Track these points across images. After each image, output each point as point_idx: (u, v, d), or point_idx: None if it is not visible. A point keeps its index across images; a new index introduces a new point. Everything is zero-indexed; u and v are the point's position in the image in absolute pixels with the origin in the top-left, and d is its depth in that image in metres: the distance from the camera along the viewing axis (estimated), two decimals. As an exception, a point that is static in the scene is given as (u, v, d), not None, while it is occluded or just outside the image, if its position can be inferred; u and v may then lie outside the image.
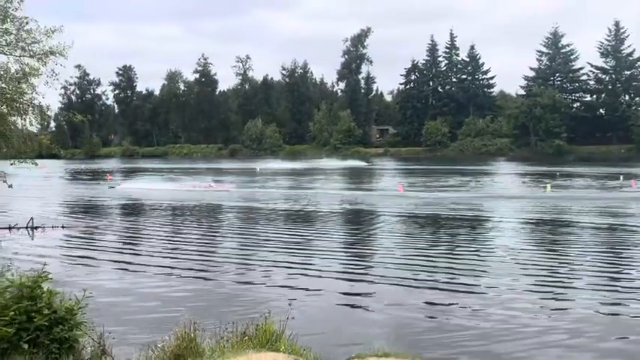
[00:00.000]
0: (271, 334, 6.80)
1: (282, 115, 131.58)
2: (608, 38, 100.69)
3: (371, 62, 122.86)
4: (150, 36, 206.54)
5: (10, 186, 17.02)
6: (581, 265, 13.47)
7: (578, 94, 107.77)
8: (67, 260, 14.63)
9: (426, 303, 10.34)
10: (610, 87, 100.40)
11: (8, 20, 14.91)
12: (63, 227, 20.24)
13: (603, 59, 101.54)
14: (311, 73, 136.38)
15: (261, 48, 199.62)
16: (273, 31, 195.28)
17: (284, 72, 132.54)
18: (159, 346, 6.54)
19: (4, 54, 15.28)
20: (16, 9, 15.14)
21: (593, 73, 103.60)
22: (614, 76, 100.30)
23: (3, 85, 15.23)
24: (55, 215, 24.13)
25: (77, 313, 6.08)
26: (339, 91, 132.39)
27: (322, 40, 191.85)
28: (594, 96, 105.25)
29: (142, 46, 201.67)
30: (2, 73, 15.17)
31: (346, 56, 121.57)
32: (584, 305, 10.10)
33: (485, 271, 12.76)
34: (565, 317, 9.52)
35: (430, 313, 9.78)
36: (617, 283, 11.81)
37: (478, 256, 14.63)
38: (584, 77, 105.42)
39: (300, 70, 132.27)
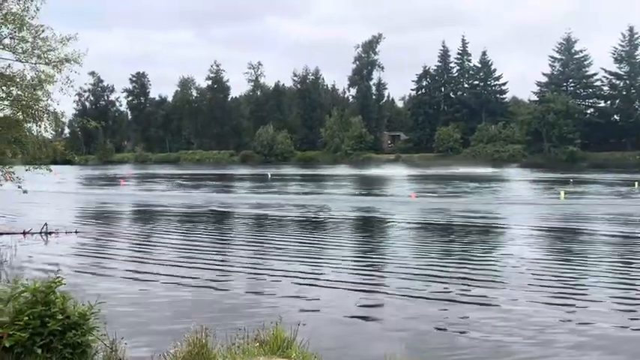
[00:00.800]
0: (282, 340, 6.79)
1: (294, 122, 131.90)
2: (622, 44, 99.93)
3: (382, 68, 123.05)
4: (162, 42, 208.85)
5: (25, 192, 17.25)
6: (599, 276, 13.07)
7: (591, 100, 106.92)
8: (81, 265, 14.73)
9: (439, 314, 10.08)
10: (624, 93, 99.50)
11: (25, 28, 15.16)
12: (76, 232, 20.40)
13: (617, 65, 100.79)
14: (322, 79, 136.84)
15: (273, 54, 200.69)
16: (285, 37, 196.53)
17: (295, 78, 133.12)
18: (170, 352, 6.56)
19: (21, 61, 15.54)
20: (32, 17, 15.40)
21: (607, 78, 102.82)
22: (628, 81, 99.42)
23: (19, 92, 15.47)
24: (69, 221, 24.34)
25: (90, 318, 6.12)
26: (350, 97, 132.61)
27: (333, 46, 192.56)
28: (608, 102, 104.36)
29: (154, 52, 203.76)
30: (18, 80, 15.41)
31: (357, 62, 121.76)
32: (605, 320, 9.67)
33: (500, 282, 12.43)
34: (587, 333, 9.09)
35: (443, 325, 9.52)
36: (638, 297, 11.33)
37: (492, 266, 14.33)
38: (598, 83, 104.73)
39: (312, 77, 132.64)
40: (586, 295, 11.46)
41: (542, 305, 10.59)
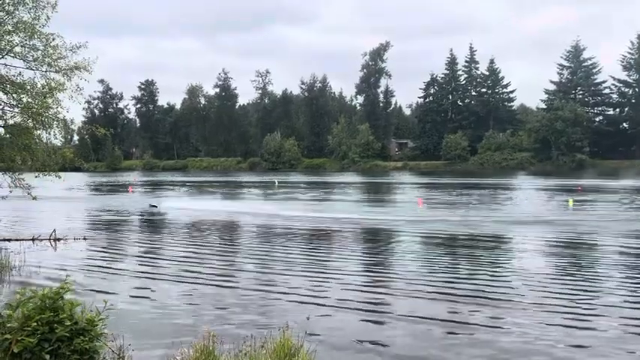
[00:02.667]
0: (289, 348, 6.78)
1: (301, 129, 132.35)
2: (631, 51, 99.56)
3: (390, 76, 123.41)
4: (171, 50, 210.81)
5: (34, 198, 17.36)
6: (617, 296, 12.07)
7: (600, 108, 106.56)
8: (89, 272, 14.78)
9: (447, 335, 9.62)
10: (633, 101, 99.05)
11: (35, 37, 15.34)
12: (85, 239, 20.49)
13: (626, 73, 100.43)
14: (330, 86, 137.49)
15: (281, 62, 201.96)
16: (293, 45, 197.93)
17: (303, 86, 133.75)
18: (177, 358, 6.58)
19: (31, 69, 15.71)
20: (43, 26, 15.59)
21: (616, 86, 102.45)
22: (637, 89, 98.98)
23: (29, 100, 15.61)
24: (77, 227, 24.46)
25: (98, 324, 6.13)
26: (357, 104, 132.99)
27: (341, 54, 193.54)
28: (617, 110, 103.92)
29: (163, 60, 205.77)
30: (29, 87, 15.57)
31: (365, 70, 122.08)
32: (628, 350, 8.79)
33: (512, 302, 11.57)
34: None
35: (452, 343, 9.15)
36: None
37: (503, 282, 13.60)
38: (607, 91, 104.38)
39: (319, 84, 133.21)
40: (604, 320, 10.34)
41: (559, 332, 9.73)
